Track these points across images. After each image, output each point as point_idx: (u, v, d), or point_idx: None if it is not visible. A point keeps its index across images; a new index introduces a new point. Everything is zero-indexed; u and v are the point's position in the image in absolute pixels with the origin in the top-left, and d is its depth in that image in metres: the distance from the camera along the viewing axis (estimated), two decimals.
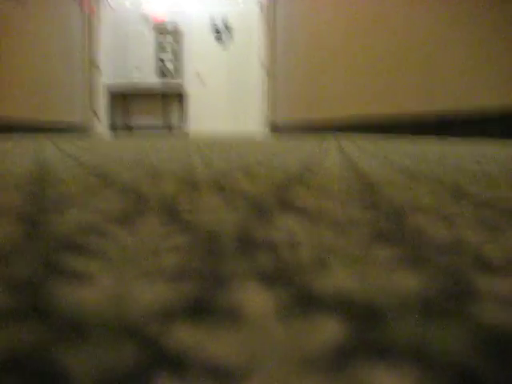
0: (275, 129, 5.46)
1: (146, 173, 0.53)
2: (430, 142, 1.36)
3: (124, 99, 7.86)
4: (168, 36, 8.12)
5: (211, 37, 7.65)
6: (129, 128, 7.81)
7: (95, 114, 7.16)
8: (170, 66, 8.07)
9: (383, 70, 2.83)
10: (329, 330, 0.14)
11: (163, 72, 7.98)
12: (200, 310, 0.15)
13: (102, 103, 7.63)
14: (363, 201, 0.34)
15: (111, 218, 0.29)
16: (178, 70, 8.11)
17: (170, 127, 7.91)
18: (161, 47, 8.20)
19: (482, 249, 0.22)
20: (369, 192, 0.39)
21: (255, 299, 0.16)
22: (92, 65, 6.80)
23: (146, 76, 8.14)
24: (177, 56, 8.06)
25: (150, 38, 8.12)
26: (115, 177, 0.48)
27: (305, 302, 0.16)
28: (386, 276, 0.18)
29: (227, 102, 7.21)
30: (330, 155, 0.81)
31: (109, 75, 7.83)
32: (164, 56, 8.10)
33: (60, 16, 4.88)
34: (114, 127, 8.02)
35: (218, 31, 7.08)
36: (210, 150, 0.95)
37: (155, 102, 7.96)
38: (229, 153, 0.87)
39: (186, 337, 0.14)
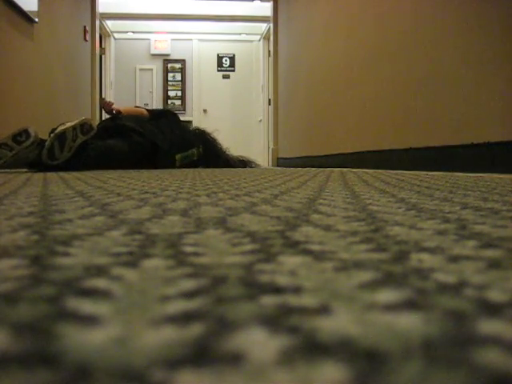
0: (279, 163, 5.48)
1: (152, 211, 0.53)
2: (436, 177, 1.36)
3: None
4: (176, 72, 8.19)
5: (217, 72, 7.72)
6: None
7: None
8: (177, 102, 8.13)
9: (389, 105, 2.85)
10: (332, 376, 0.14)
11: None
12: (204, 355, 0.16)
13: None
14: (369, 241, 0.35)
15: (119, 260, 0.29)
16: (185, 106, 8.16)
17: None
18: (168, 83, 8.26)
19: (486, 291, 0.22)
20: (376, 232, 0.39)
21: (259, 344, 0.16)
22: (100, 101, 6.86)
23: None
24: (184, 92, 8.12)
25: (157, 73, 8.19)
26: (122, 216, 0.49)
27: (308, 347, 0.16)
28: (389, 320, 0.19)
29: (232, 136, 7.25)
30: (337, 192, 0.81)
31: None
32: (171, 92, 8.16)
33: (69, 53, 4.95)
34: None
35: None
36: (217, 187, 0.96)
37: None
38: (235, 189, 0.87)
39: (189, 382, 0.14)
